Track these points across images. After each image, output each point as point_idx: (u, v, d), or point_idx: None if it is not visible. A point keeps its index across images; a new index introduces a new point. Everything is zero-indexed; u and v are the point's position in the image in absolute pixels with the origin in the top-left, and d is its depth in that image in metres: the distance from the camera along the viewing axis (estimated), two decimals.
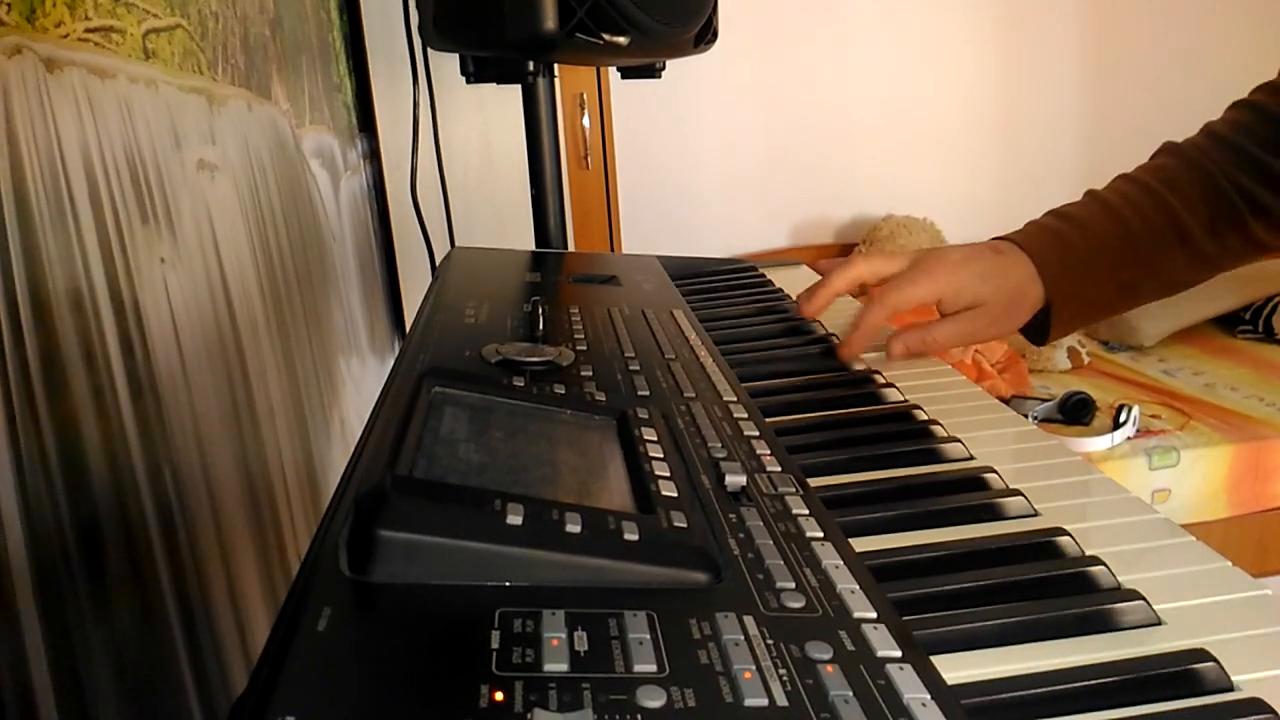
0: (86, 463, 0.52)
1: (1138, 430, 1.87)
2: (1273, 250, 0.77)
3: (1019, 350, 2.11)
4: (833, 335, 0.77)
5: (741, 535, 0.42)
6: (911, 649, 0.35)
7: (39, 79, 0.52)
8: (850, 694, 0.31)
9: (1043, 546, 0.44)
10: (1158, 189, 0.76)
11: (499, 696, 0.29)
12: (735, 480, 0.46)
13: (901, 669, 0.33)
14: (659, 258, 1.01)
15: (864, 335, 0.72)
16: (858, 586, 0.38)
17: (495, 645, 0.32)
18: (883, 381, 0.67)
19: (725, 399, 0.59)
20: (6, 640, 0.43)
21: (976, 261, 0.74)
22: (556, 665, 0.31)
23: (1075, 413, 1.91)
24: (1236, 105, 0.79)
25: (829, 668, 0.33)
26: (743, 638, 0.34)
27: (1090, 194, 0.79)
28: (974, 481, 0.51)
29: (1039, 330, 0.78)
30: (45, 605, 0.46)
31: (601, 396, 0.56)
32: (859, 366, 0.71)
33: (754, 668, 0.32)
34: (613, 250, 1.96)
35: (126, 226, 0.61)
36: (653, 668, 0.32)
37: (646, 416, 0.53)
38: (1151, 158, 0.80)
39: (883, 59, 2.50)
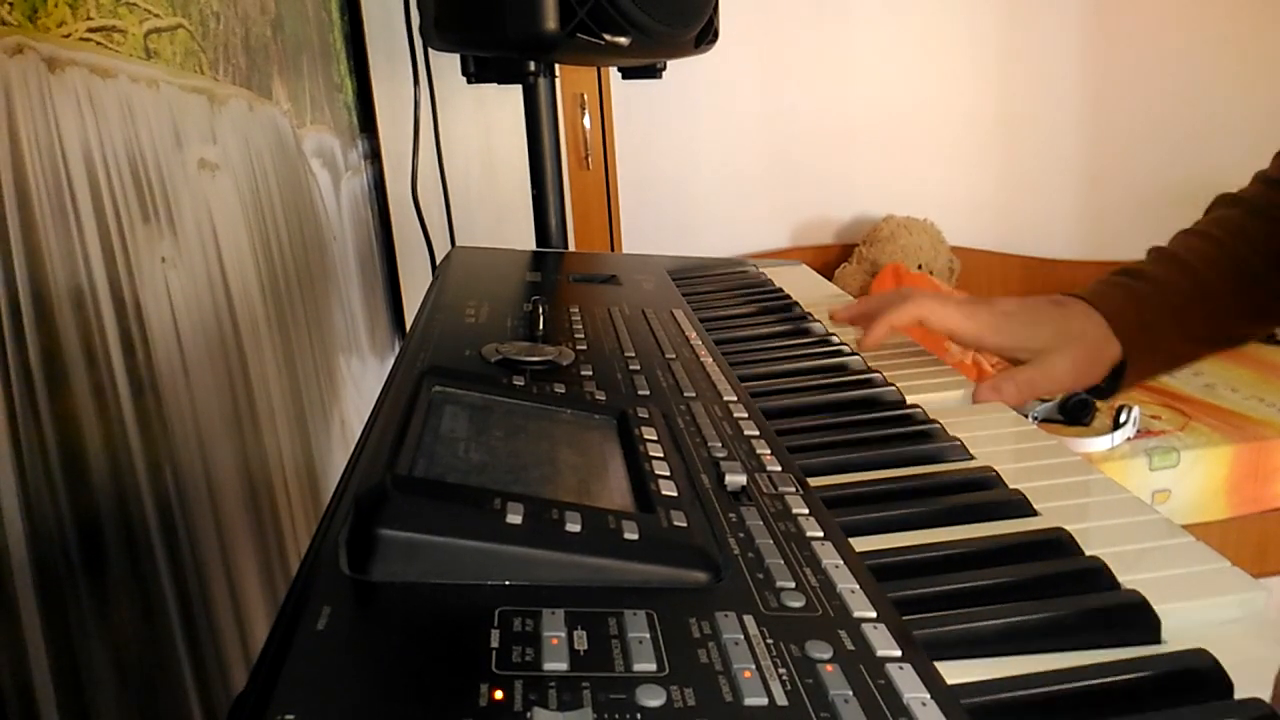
0: (87, 461, 0.52)
1: (1138, 430, 1.86)
2: None
3: None
4: (833, 334, 0.78)
5: (741, 535, 0.42)
6: (911, 649, 0.35)
7: (41, 78, 0.52)
8: (850, 693, 0.31)
9: (1043, 546, 0.44)
10: (1224, 238, 0.75)
11: (499, 695, 0.29)
12: (735, 480, 0.46)
13: (901, 669, 0.33)
14: (659, 257, 1.01)
15: (884, 327, 0.73)
16: (858, 586, 0.38)
17: (495, 644, 0.32)
18: (883, 381, 0.67)
19: (725, 398, 0.59)
20: (6, 640, 0.43)
21: (1029, 311, 0.74)
22: (556, 664, 0.31)
23: (1076, 413, 1.91)
24: None
25: (829, 667, 0.33)
26: (742, 637, 0.34)
27: (1156, 250, 0.78)
28: (974, 481, 0.51)
29: (1108, 388, 0.76)
30: (45, 604, 0.46)
31: (601, 396, 0.56)
32: (859, 366, 0.71)
33: (754, 667, 0.32)
34: (613, 250, 1.95)
35: (128, 225, 0.61)
36: (652, 667, 0.32)
37: (646, 416, 0.53)
38: (1207, 212, 0.79)
39: (883, 59, 2.50)
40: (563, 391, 0.56)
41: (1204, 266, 0.75)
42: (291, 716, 0.28)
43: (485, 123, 1.67)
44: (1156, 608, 0.39)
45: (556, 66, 1.26)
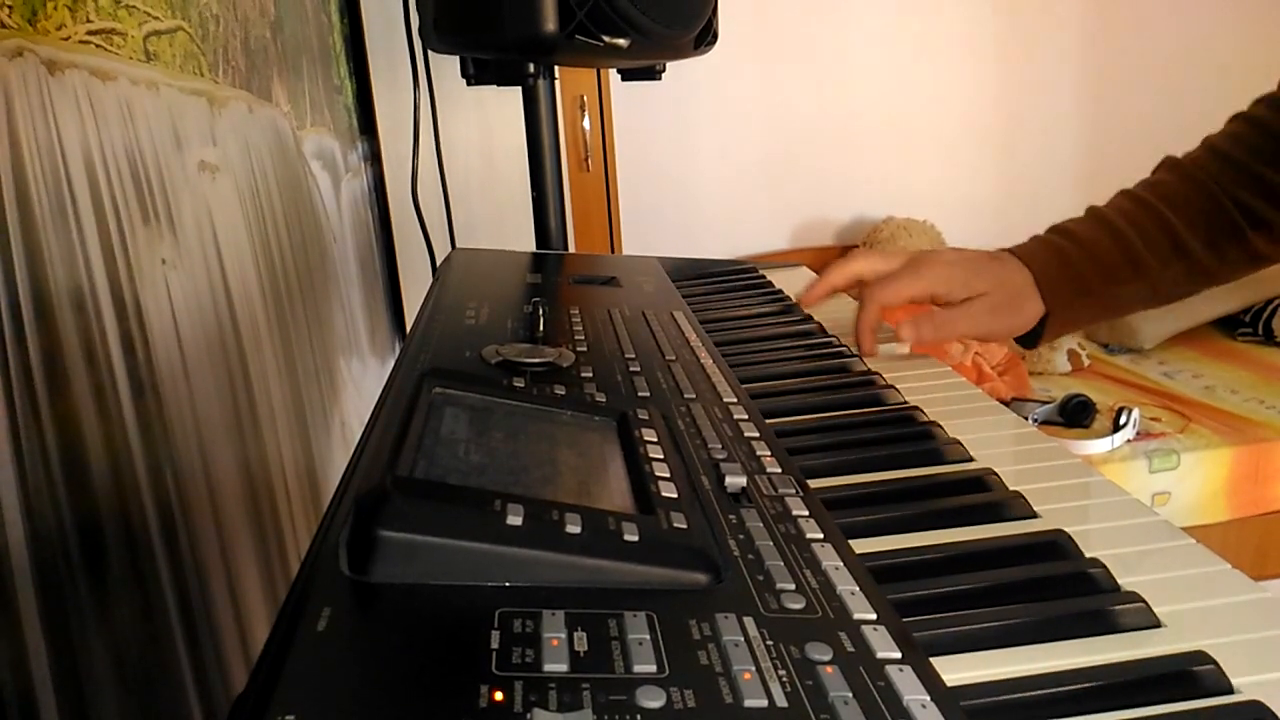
0: (88, 462, 0.52)
1: (1138, 433, 1.86)
2: (1273, 261, 0.79)
3: (1019, 353, 2.11)
4: (833, 336, 0.78)
5: (741, 536, 0.42)
6: (911, 650, 0.35)
7: (41, 81, 0.52)
8: (850, 695, 0.31)
9: (1043, 548, 0.44)
10: (1155, 205, 0.78)
11: (499, 696, 0.29)
12: (735, 481, 0.46)
13: (901, 670, 0.33)
14: (659, 259, 1.01)
15: (866, 333, 0.75)
16: (858, 588, 0.38)
17: (495, 645, 0.32)
18: (883, 383, 0.67)
19: (725, 400, 0.59)
20: (6, 640, 0.43)
21: (971, 261, 0.77)
22: (556, 665, 0.31)
23: (1075, 415, 1.91)
24: (1236, 118, 0.80)
25: (829, 669, 0.33)
26: (742, 639, 0.34)
27: (1091, 210, 0.81)
28: (974, 483, 0.51)
29: (1031, 335, 0.81)
30: (46, 605, 0.46)
31: (602, 397, 0.56)
32: (859, 368, 0.71)
33: (754, 669, 0.32)
34: (613, 251, 1.96)
35: (128, 227, 0.61)
36: (652, 668, 0.32)
37: (647, 417, 0.53)
38: (1153, 173, 0.83)
39: (883, 61, 2.50)
40: (563, 393, 0.56)
41: (1132, 231, 0.77)
42: (291, 717, 0.28)
43: (485, 124, 1.67)
44: (1156, 610, 0.39)
45: (556, 68, 1.26)
